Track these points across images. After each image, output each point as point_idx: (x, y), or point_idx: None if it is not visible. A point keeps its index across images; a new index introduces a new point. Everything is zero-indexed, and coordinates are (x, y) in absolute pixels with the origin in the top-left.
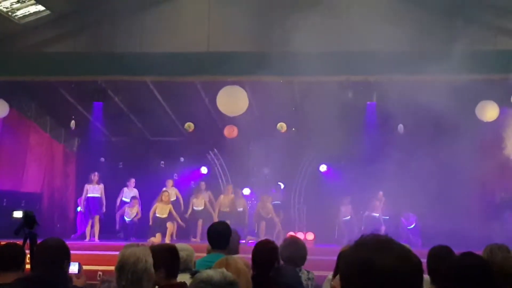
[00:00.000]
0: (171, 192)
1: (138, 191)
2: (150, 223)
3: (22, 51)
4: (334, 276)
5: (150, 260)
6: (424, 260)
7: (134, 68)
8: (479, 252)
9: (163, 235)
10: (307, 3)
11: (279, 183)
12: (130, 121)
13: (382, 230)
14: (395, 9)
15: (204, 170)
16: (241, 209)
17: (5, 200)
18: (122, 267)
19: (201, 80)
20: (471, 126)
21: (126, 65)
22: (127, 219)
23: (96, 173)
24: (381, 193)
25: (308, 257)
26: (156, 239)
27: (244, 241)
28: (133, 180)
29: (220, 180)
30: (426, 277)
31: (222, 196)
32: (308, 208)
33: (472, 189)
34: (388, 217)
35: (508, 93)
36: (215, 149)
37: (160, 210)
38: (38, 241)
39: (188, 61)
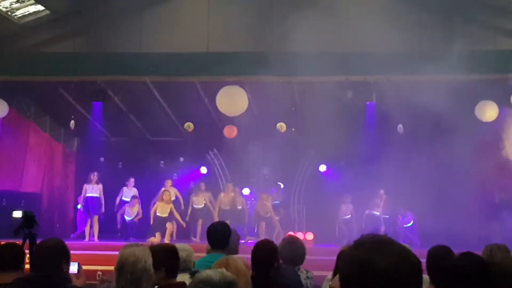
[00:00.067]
0: (170, 192)
1: (138, 191)
2: (151, 222)
3: (22, 51)
4: (333, 276)
5: (150, 260)
6: (423, 260)
7: (133, 68)
8: (479, 252)
9: (163, 235)
10: (306, 4)
11: (278, 183)
12: (129, 121)
13: (382, 230)
14: (394, 9)
15: (203, 170)
16: (240, 207)
17: (4, 200)
18: (122, 267)
19: (200, 80)
20: (470, 126)
21: (125, 65)
22: (127, 218)
23: (95, 173)
24: (382, 191)
25: (308, 257)
26: (156, 239)
27: (243, 241)
28: (132, 180)
29: (219, 180)
30: (425, 277)
31: (222, 194)
32: (308, 208)
33: (471, 189)
34: (388, 216)
35: (507, 93)
36: (214, 149)
37: (161, 209)
38: (38, 241)
39: (188, 61)
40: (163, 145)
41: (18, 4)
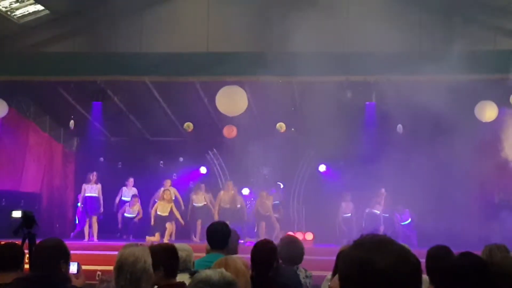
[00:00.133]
0: (170, 191)
1: (137, 191)
2: (152, 222)
3: (21, 51)
4: (333, 276)
5: (149, 260)
6: (423, 260)
7: (133, 68)
8: (478, 252)
9: (163, 235)
10: (306, 4)
11: (278, 183)
12: (129, 121)
13: (381, 230)
14: (394, 9)
15: (203, 170)
16: (238, 205)
17: (4, 200)
18: (121, 267)
19: (200, 80)
20: (470, 126)
21: (125, 65)
22: (127, 215)
23: (95, 173)
24: (383, 189)
25: (307, 257)
26: (155, 238)
27: (242, 241)
28: (131, 180)
29: (219, 180)
30: (425, 277)
31: (222, 192)
32: (307, 208)
33: (471, 189)
34: (387, 215)
35: (507, 93)
36: (214, 149)
37: (162, 208)
38: (37, 241)
39: (188, 61)
40: (163, 145)
41: (17, 4)
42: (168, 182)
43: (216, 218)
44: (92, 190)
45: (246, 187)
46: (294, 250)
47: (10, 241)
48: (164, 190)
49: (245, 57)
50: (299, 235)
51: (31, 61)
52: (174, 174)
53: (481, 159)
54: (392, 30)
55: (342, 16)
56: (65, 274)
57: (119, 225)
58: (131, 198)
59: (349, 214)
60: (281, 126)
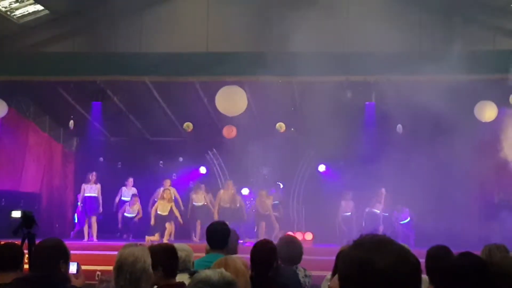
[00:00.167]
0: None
1: (137, 191)
2: (152, 221)
3: (21, 51)
4: (332, 276)
5: (149, 260)
6: (422, 260)
7: (133, 68)
8: (478, 252)
9: (162, 235)
10: (306, 4)
11: (278, 183)
12: (129, 121)
13: (380, 230)
14: (394, 9)
15: (203, 170)
16: (238, 205)
17: (3, 200)
18: (121, 267)
19: (200, 80)
20: (469, 126)
21: (125, 65)
22: (127, 215)
23: (94, 173)
24: (383, 189)
25: (307, 257)
26: (155, 238)
27: (241, 241)
28: (131, 180)
29: (219, 180)
30: (424, 277)
31: (222, 191)
32: (307, 208)
33: (470, 189)
34: (387, 214)
35: (506, 93)
36: (214, 149)
37: (162, 207)
38: (37, 241)
39: (187, 61)
40: (163, 145)
41: (17, 4)
42: (167, 182)
43: (216, 217)
44: (91, 190)
45: (245, 187)
46: (293, 250)
47: (9, 241)
48: (164, 190)
49: (245, 57)
50: (298, 235)
51: (31, 61)
52: (174, 174)
53: (480, 159)
54: (392, 30)
55: (342, 16)
56: (64, 274)
57: (119, 225)
58: (131, 197)
59: (349, 213)
60: (280, 126)
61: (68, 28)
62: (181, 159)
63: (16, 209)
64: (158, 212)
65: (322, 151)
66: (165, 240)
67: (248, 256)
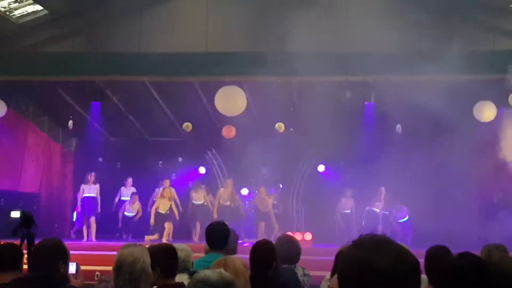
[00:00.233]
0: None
1: (136, 191)
2: (152, 220)
3: (20, 51)
4: (331, 276)
5: (148, 260)
6: (421, 260)
7: (132, 68)
8: (477, 252)
9: (162, 235)
10: (305, 4)
11: (278, 184)
12: (128, 121)
13: (379, 230)
14: (393, 9)
15: (202, 170)
16: (236, 203)
17: (2, 200)
18: (120, 267)
19: (199, 80)
20: (468, 127)
21: (124, 65)
22: (127, 214)
23: (93, 173)
24: (382, 188)
25: (306, 257)
26: (154, 237)
27: (240, 241)
28: (130, 180)
29: (218, 180)
30: (423, 277)
31: (221, 190)
32: (306, 208)
33: (469, 189)
34: (387, 212)
35: (505, 94)
36: (213, 149)
37: (162, 206)
38: (36, 241)
39: (187, 61)
40: (162, 145)
41: (16, 4)
42: (167, 182)
43: (215, 216)
44: (90, 190)
45: (245, 187)
46: (291, 250)
47: (8, 241)
48: (164, 188)
49: (244, 57)
50: (298, 235)
51: (30, 61)
52: (173, 174)
53: (480, 159)
54: (391, 30)
55: (341, 16)
56: (64, 274)
57: (120, 224)
58: (130, 195)
59: (349, 211)
60: (280, 126)
61: (67, 28)
62: (180, 159)
63: (15, 209)
64: (158, 211)
65: (321, 151)
66: (164, 240)
67: (247, 256)
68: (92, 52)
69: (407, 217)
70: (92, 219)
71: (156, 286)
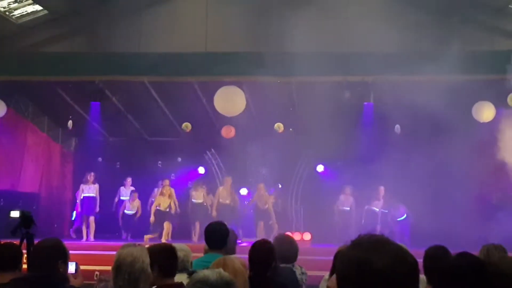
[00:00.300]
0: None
1: (136, 190)
2: (152, 217)
3: (20, 51)
4: (330, 276)
5: (147, 260)
6: (420, 260)
7: (131, 68)
8: (475, 252)
9: (161, 233)
10: (305, 4)
11: (278, 184)
12: (127, 121)
13: (378, 230)
14: (392, 9)
15: (201, 170)
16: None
17: (2, 200)
18: (119, 267)
19: (198, 80)
20: (467, 127)
21: (123, 65)
22: (127, 212)
23: (92, 173)
24: (382, 187)
25: (305, 257)
26: (154, 235)
27: (239, 241)
28: (129, 179)
29: (217, 180)
30: (422, 277)
31: (221, 188)
32: (305, 208)
33: (468, 189)
34: (387, 211)
35: (504, 94)
36: (212, 149)
37: (162, 203)
38: (35, 241)
39: (186, 61)
40: (161, 145)
41: (16, 4)
42: (166, 182)
43: (214, 214)
44: (89, 190)
45: (244, 187)
46: (288, 249)
47: (8, 241)
48: (163, 186)
49: (244, 57)
50: (297, 235)
51: (30, 61)
52: (172, 174)
53: (478, 159)
54: (391, 30)
55: (341, 16)
56: (63, 274)
57: (120, 222)
58: (130, 193)
59: (348, 208)
60: (279, 126)
61: (67, 28)
62: (179, 159)
63: (14, 209)
64: (158, 208)
65: (320, 152)
66: (163, 240)
67: (246, 256)
68: (92, 52)
69: (405, 215)
70: (91, 219)
71: (155, 286)
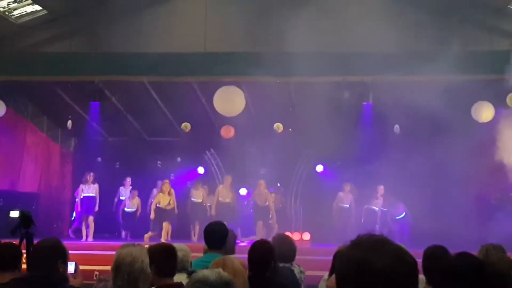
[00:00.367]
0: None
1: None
2: (152, 215)
3: (19, 51)
4: (329, 276)
5: (147, 260)
6: (419, 260)
7: (131, 68)
8: (474, 252)
9: (161, 232)
10: (304, 4)
11: (277, 184)
12: (127, 121)
13: (377, 229)
14: (391, 9)
15: (201, 170)
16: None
17: (1, 200)
18: (118, 267)
19: (198, 80)
20: (466, 127)
21: (123, 65)
22: (127, 209)
23: (91, 173)
24: (381, 186)
25: (305, 257)
26: (153, 233)
27: (238, 240)
28: (129, 179)
29: (217, 180)
30: (421, 277)
31: (220, 187)
32: (305, 208)
33: (467, 189)
34: (386, 209)
35: (503, 94)
36: (211, 149)
37: (162, 200)
38: (35, 241)
39: (185, 62)
40: (160, 145)
41: (15, 4)
42: (166, 181)
43: (213, 212)
44: (89, 190)
45: (243, 187)
46: (287, 248)
47: (7, 241)
48: (163, 183)
49: (243, 57)
50: (296, 235)
51: (29, 61)
52: (172, 174)
53: (478, 159)
54: (390, 30)
55: (340, 16)
56: (62, 274)
57: (120, 220)
58: (130, 192)
59: (347, 205)
60: (278, 126)
61: (66, 28)
62: (179, 159)
63: (14, 209)
64: (158, 206)
65: (319, 151)
66: (163, 240)
67: (245, 256)
68: (91, 52)
69: (403, 214)
70: (91, 219)
71: (155, 286)
